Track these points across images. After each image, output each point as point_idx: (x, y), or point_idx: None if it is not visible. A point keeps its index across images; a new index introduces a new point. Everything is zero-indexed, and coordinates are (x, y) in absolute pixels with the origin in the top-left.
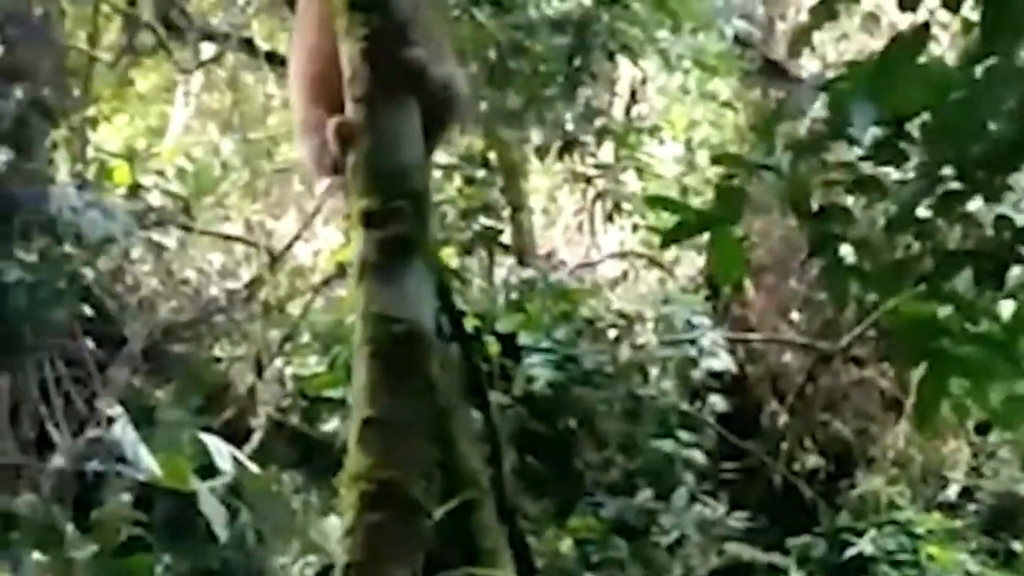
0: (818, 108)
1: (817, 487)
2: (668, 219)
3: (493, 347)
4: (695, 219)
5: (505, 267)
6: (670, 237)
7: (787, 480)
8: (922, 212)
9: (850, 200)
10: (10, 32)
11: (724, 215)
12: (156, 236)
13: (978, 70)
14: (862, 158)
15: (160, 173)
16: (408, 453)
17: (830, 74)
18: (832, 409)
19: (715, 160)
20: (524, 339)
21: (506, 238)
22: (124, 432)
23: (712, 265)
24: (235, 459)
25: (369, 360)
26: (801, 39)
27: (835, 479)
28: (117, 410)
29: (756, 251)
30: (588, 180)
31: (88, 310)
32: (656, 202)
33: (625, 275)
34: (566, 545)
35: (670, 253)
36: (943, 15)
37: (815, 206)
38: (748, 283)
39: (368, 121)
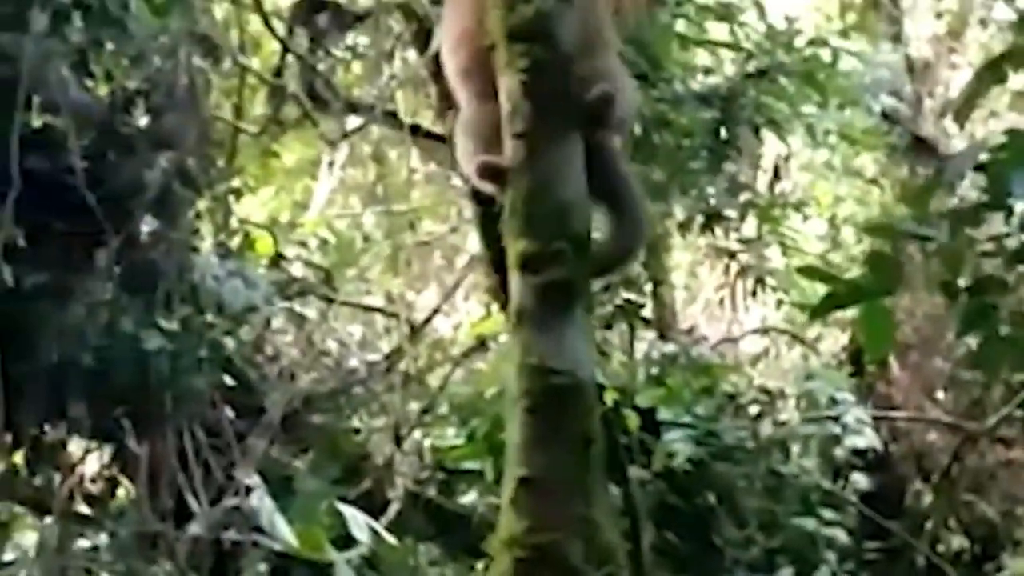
0: (966, 184)
1: (962, 569)
2: (812, 294)
3: (633, 421)
4: (847, 291)
5: (646, 341)
6: (822, 309)
7: (931, 561)
8: None
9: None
10: (156, 101)
11: (878, 286)
12: (297, 307)
13: None
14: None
15: (303, 244)
16: (566, 515)
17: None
18: (978, 490)
19: (868, 230)
20: (664, 414)
21: (647, 312)
22: (261, 502)
23: (863, 338)
24: (372, 530)
25: (525, 415)
26: (967, 105)
27: (980, 562)
28: (255, 480)
29: (902, 328)
30: (731, 255)
31: (228, 379)
32: (808, 273)
33: (767, 351)
34: None
35: (813, 329)
36: None
37: (968, 279)
38: (892, 361)
39: (528, 159)
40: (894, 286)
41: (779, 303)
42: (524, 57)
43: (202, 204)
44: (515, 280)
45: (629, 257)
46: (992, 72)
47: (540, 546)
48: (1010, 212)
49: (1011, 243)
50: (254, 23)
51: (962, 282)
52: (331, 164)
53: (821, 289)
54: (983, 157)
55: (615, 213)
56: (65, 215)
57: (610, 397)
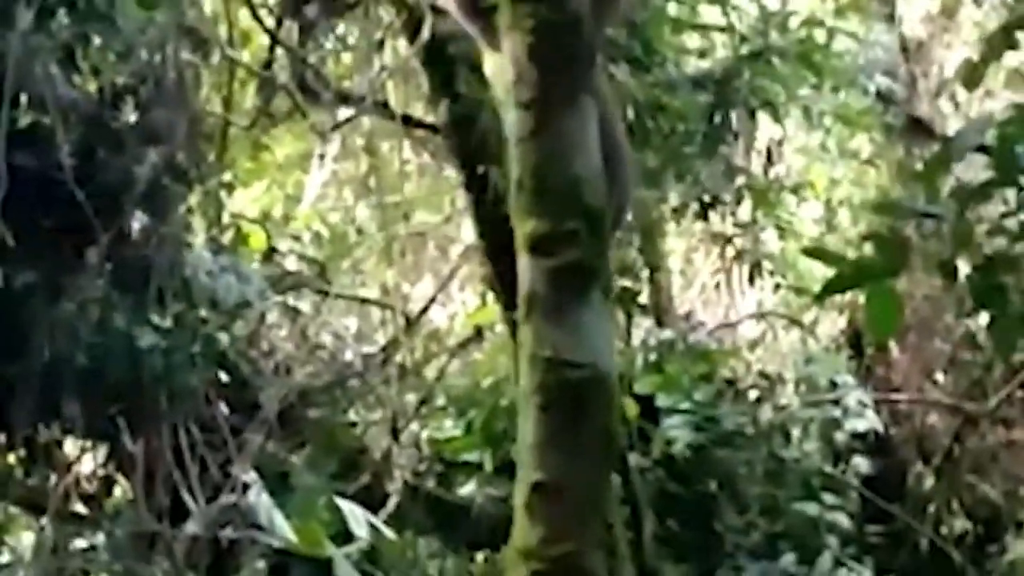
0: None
1: (965, 551)
2: (810, 277)
3: (632, 409)
4: (852, 272)
5: (643, 328)
6: (829, 290)
7: (934, 544)
8: None
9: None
10: (144, 95)
11: (884, 267)
12: (292, 300)
13: None
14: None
15: (296, 238)
16: (586, 522)
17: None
18: (980, 471)
19: (875, 209)
20: (663, 401)
21: (644, 299)
22: (258, 498)
23: (868, 319)
24: (370, 525)
25: (538, 412)
26: (975, 74)
27: (983, 543)
28: (251, 476)
29: None
30: (727, 240)
31: (223, 375)
32: (813, 254)
33: (765, 335)
34: None
35: (810, 313)
36: None
37: (974, 258)
38: (892, 343)
39: (536, 130)
40: (900, 266)
41: (776, 287)
42: (530, 18)
43: (193, 199)
44: (524, 263)
45: (617, 221)
46: (1005, 37)
47: (559, 558)
48: (1020, 188)
49: (1014, 222)
50: (244, 15)
51: (965, 262)
52: (322, 157)
53: (819, 272)
54: (989, 133)
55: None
56: (54, 212)
57: None
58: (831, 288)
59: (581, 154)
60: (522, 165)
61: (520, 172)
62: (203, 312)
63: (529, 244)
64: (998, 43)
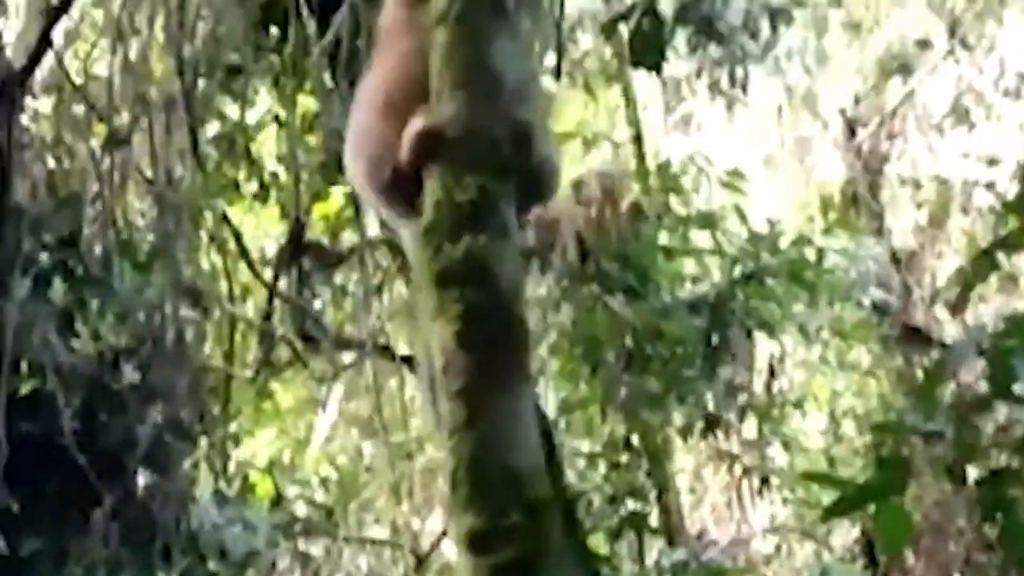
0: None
1: None
2: (819, 491)
3: None
4: (856, 494)
5: (655, 550)
6: (833, 514)
7: None
8: None
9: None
10: (144, 355)
11: (888, 486)
12: (302, 546)
13: None
14: None
15: (304, 483)
16: None
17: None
18: None
19: (874, 430)
20: None
21: (654, 520)
22: None
23: (879, 537)
24: None
25: None
26: (963, 294)
27: None
28: None
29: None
30: (735, 458)
31: None
32: (814, 479)
33: (779, 550)
34: None
35: (823, 524)
36: None
37: (978, 468)
38: (906, 549)
39: (468, 422)
40: (904, 485)
41: (785, 501)
42: (457, 303)
43: (199, 452)
44: (462, 563)
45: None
46: (987, 260)
47: None
48: (1017, 400)
49: (1018, 431)
50: (243, 269)
51: (973, 471)
52: (324, 404)
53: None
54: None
55: None
56: (58, 477)
57: None
58: (835, 512)
59: (519, 444)
60: (456, 458)
61: (455, 466)
62: (212, 564)
63: (466, 542)
64: (983, 267)
